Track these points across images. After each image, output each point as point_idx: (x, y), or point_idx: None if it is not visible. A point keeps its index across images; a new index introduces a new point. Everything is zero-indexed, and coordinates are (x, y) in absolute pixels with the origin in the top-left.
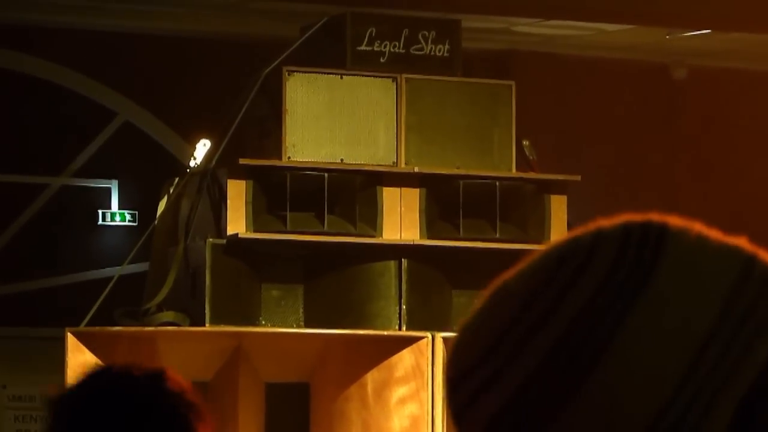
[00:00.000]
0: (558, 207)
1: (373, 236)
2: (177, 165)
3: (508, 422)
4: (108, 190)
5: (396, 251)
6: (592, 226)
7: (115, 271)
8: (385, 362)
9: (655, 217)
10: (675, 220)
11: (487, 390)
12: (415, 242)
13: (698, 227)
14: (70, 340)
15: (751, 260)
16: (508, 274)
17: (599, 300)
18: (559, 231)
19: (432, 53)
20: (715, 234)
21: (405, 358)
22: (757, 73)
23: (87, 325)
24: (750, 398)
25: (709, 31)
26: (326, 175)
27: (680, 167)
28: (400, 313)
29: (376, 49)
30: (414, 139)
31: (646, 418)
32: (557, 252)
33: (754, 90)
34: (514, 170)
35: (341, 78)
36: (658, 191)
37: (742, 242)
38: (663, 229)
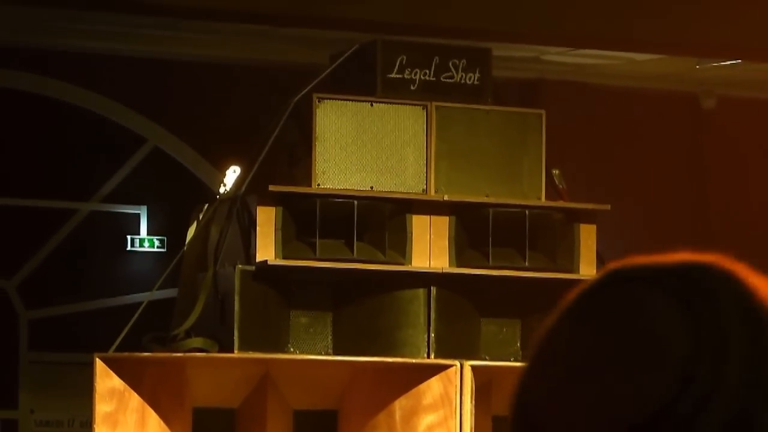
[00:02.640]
0: (587, 236)
1: (402, 264)
2: (206, 191)
3: None
4: (137, 216)
5: (425, 279)
6: (638, 259)
7: (143, 297)
8: (414, 390)
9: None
10: (719, 261)
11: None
12: (444, 270)
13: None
14: (99, 365)
15: None
16: (559, 311)
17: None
18: (588, 260)
19: (462, 81)
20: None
21: (433, 386)
22: None
23: (116, 350)
24: None
25: (738, 61)
26: (356, 202)
27: (709, 197)
28: (428, 341)
29: (406, 76)
30: (443, 167)
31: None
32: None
33: None
34: (543, 199)
35: (371, 105)
36: (687, 221)
37: None
38: (706, 269)
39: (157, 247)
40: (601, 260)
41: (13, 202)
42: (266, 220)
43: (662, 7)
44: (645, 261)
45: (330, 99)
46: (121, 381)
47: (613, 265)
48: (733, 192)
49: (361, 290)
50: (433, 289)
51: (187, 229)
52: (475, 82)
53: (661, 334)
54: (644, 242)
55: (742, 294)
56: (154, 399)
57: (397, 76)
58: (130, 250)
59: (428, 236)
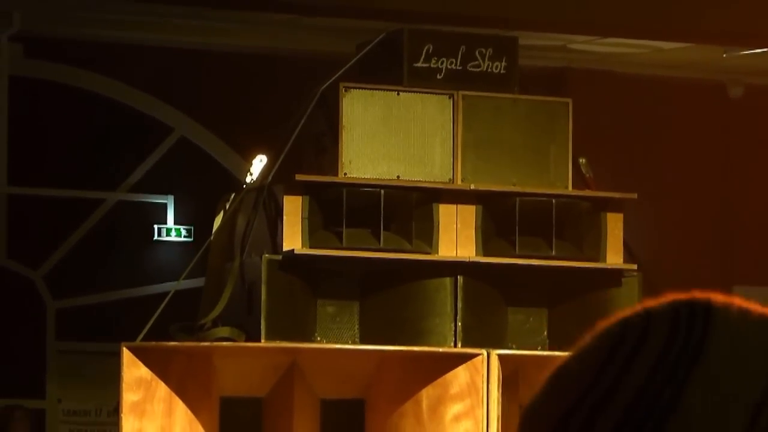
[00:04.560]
0: (614, 225)
1: (428, 253)
2: (233, 180)
3: None
4: (164, 206)
5: (452, 268)
6: (638, 307)
7: (170, 287)
8: (440, 379)
9: (698, 294)
10: (718, 297)
11: None
12: (471, 259)
13: (739, 301)
14: (126, 354)
15: None
16: (564, 358)
17: (656, 380)
18: (614, 249)
19: (489, 70)
20: (755, 307)
21: (460, 375)
22: None
23: (143, 340)
24: None
25: (766, 49)
26: (382, 191)
27: (736, 186)
28: (455, 330)
29: (432, 65)
30: (470, 156)
31: None
32: (610, 335)
33: None
34: (570, 188)
35: (398, 94)
36: (715, 209)
37: None
38: (708, 306)
39: (184, 237)
40: (628, 249)
41: (40, 193)
42: (293, 209)
43: None
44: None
45: (356, 88)
46: (148, 370)
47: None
48: (760, 181)
49: (388, 279)
50: (460, 278)
51: (214, 219)
52: (502, 71)
53: None
54: (671, 231)
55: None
56: (181, 388)
57: (424, 65)
58: (157, 240)
59: (455, 225)
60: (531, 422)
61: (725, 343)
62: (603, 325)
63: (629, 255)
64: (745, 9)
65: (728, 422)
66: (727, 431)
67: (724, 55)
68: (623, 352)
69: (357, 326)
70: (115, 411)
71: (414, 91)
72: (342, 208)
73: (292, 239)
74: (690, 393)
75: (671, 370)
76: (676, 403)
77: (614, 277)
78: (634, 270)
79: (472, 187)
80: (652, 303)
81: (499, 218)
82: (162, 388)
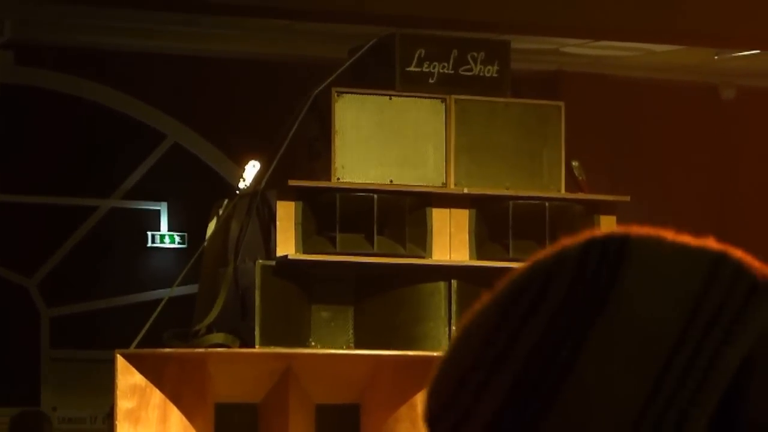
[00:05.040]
0: (607, 227)
1: (422, 257)
2: (226, 186)
3: None
4: (158, 212)
5: (445, 272)
6: (556, 245)
7: (164, 293)
8: None
9: (617, 229)
10: (638, 229)
11: (462, 424)
12: (465, 263)
13: (664, 232)
14: (120, 362)
15: (718, 260)
16: (478, 304)
17: (559, 323)
18: None
19: (481, 74)
20: (682, 237)
21: None
22: None
23: (137, 347)
24: (727, 404)
25: (758, 51)
26: (376, 196)
27: (728, 187)
28: (449, 334)
29: (425, 70)
30: (463, 159)
31: (623, 426)
32: (519, 278)
33: None
34: (563, 191)
35: (390, 99)
36: (708, 211)
37: (709, 242)
38: (624, 240)
39: (178, 243)
40: None
41: (34, 200)
42: (286, 214)
43: None
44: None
45: (349, 93)
46: (143, 377)
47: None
48: (753, 182)
49: (382, 284)
50: (454, 282)
51: (208, 225)
52: (494, 75)
53: None
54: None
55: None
56: (175, 395)
57: (416, 69)
58: (150, 246)
59: (448, 229)
60: (441, 374)
61: (641, 276)
62: (516, 269)
63: None
64: (736, 11)
65: (640, 366)
66: (638, 376)
67: (716, 57)
68: (527, 297)
69: (351, 331)
70: (108, 417)
71: (406, 96)
72: (335, 213)
73: (286, 245)
74: (595, 337)
75: (575, 313)
76: (578, 350)
77: None
78: None
79: (465, 191)
80: (568, 241)
81: (493, 222)
82: (156, 395)
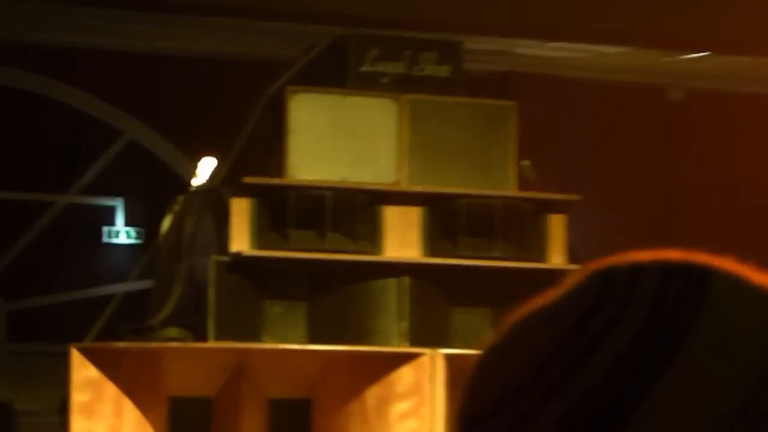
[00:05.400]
0: (557, 226)
1: (374, 254)
2: (182, 183)
3: None
4: (113, 208)
5: (397, 269)
6: (625, 258)
7: (120, 288)
8: (386, 378)
9: (697, 256)
10: (720, 261)
11: (525, 427)
12: (416, 260)
13: (748, 270)
14: (75, 356)
15: None
16: (532, 306)
17: (627, 363)
18: (558, 250)
19: (433, 74)
20: (757, 276)
21: (406, 375)
22: (751, 96)
23: (93, 340)
24: None
25: (705, 54)
26: (329, 194)
27: (676, 185)
28: (401, 330)
29: (378, 70)
30: (415, 158)
31: None
32: (586, 292)
33: (749, 112)
34: (514, 190)
35: (344, 98)
36: (656, 209)
37: None
38: (707, 274)
39: (134, 239)
40: (572, 250)
41: None
42: (240, 211)
43: (629, 1)
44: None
45: (303, 92)
46: (98, 371)
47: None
48: (700, 181)
49: (335, 280)
50: (405, 279)
51: (164, 221)
52: (447, 75)
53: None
54: (614, 231)
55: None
56: (130, 389)
57: (370, 69)
58: (106, 242)
59: (400, 227)
60: (489, 374)
61: (721, 315)
62: (577, 276)
63: (573, 255)
64: (683, 15)
65: (705, 417)
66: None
67: (664, 59)
68: (592, 326)
69: (304, 326)
70: (61, 411)
71: (360, 95)
72: (289, 210)
73: (240, 241)
74: (667, 377)
75: (638, 367)
76: (650, 387)
77: (557, 277)
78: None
79: (417, 189)
80: (639, 256)
81: (444, 220)
82: (111, 389)
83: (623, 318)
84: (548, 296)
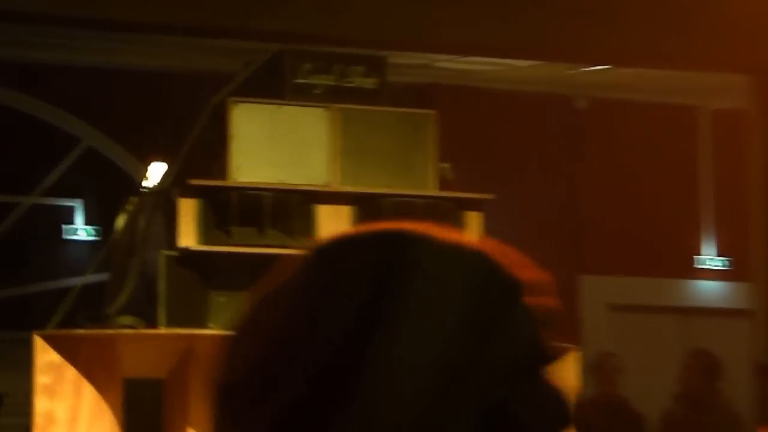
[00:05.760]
0: (474, 222)
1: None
2: (134, 185)
3: (292, 421)
4: (73, 209)
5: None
6: (340, 237)
7: (78, 281)
8: None
9: (398, 226)
10: (416, 228)
11: (261, 401)
12: None
13: (433, 229)
14: (38, 341)
15: (488, 264)
16: (268, 286)
17: (361, 318)
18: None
19: (361, 86)
20: (452, 239)
21: None
22: (649, 104)
23: (54, 328)
24: (496, 383)
25: (606, 67)
26: (267, 194)
27: (582, 187)
28: None
29: (311, 82)
30: (345, 162)
31: (407, 416)
32: (316, 260)
33: (645, 119)
34: (434, 189)
35: (280, 108)
36: (563, 208)
37: (476, 241)
38: (409, 240)
39: (92, 236)
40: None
41: None
42: (187, 210)
43: (539, 19)
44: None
45: (244, 102)
46: (59, 355)
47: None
48: (604, 183)
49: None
50: None
51: (117, 220)
52: (373, 87)
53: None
54: (527, 227)
55: (438, 254)
56: (88, 371)
57: (303, 81)
58: (66, 239)
59: (332, 223)
60: (234, 355)
61: (424, 286)
62: (308, 253)
63: None
64: (585, 31)
65: (422, 361)
66: (420, 371)
67: (568, 72)
68: (328, 294)
69: None
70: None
71: (295, 105)
72: (231, 209)
73: (187, 237)
74: (385, 335)
75: (370, 320)
76: (370, 349)
77: None
78: None
79: (347, 189)
80: (354, 232)
81: (371, 216)
82: (71, 372)
83: (346, 283)
84: (279, 277)
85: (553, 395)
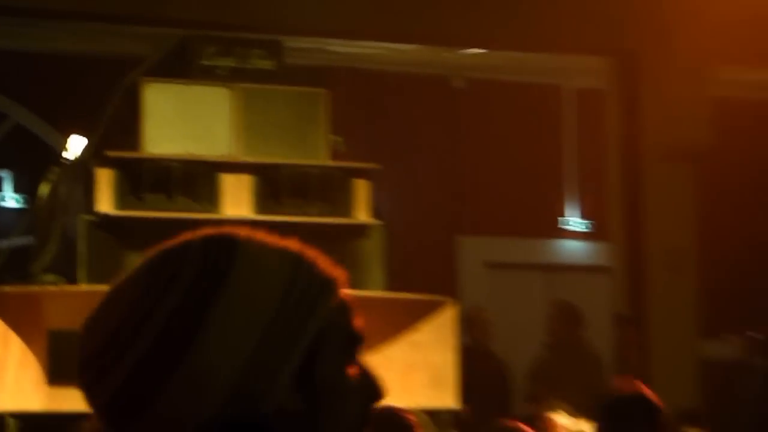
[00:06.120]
0: (362, 189)
1: (214, 213)
2: (57, 157)
3: (126, 395)
4: (1, 179)
5: (232, 225)
6: (181, 239)
7: (6, 244)
8: None
9: (227, 230)
10: (243, 231)
11: (108, 371)
12: (248, 217)
13: (260, 235)
14: None
15: (299, 259)
16: (122, 277)
17: (189, 300)
18: (363, 208)
19: (260, 67)
20: (272, 239)
21: None
22: (520, 84)
23: None
24: (310, 357)
25: (481, 51)
26: (176, 164)
27: (461, 157)
28: None
29: (215, 64)
30: (246, 135)
31: (231, 382)
32: (155, 263)
33: (518, 96)
34: (326, 160)
35: (187, 87)
36: (444, 176)
37: (292, 243)
38: (234, 240)
39: (20, 204)
40: (376, 209)
41: None
42: (104, 179)
43: (420, 7)
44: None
45: (155, 82)
46: None
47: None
48: (479, 152)
49: (182, 234)
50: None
51: (43, 188)
52: (271, 68)
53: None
54: (412, 194)
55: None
56: (15, 324)
57: (209, 63)
58: None
59: (234, 191)
60: (91, 329)
61: (247, 269)
62: (150, 254)
63: (377, 214)
64: (461, 16)
65: (245, 334)
66: (243, 341)
67: (445, 55)
68: (162, 279)
69: None
70: None
71: (201, 84)
72: (144, 178)
73: (104, 203)
74: (214, 313)
75: (200, 294)
76: (202, 322)
77: (362, 230)
78: (379, 225)
79: (248, 160)
80: (190, 236)
81: (270, 184)
82: (0, 325)
83: (183, 272)
84: (126, 273)
85: (365, 373)
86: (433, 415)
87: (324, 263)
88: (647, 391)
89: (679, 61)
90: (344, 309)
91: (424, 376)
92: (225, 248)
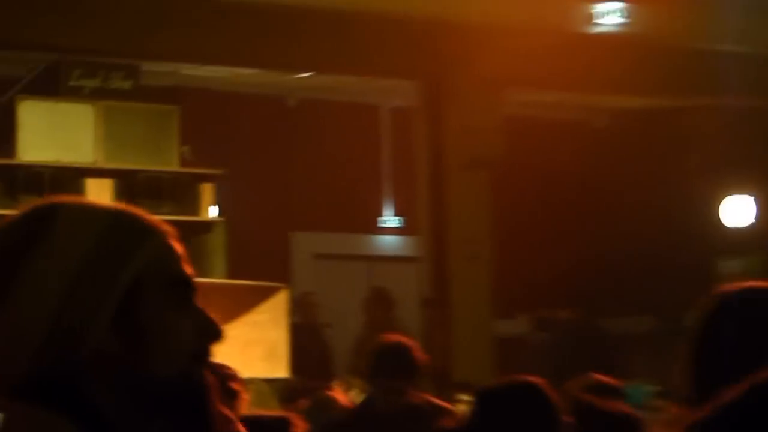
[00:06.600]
0: (207, 191)
1: None
2: None
3: None
4: None
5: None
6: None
7: None
8: None
9: (54, 198)
10: (68, 198)
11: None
12: None
13: (84, 199)
14: None
15: (118, 214)
16: None
17: (5, 257)
18: (207, 207)
19: (121, 87)
20: (96, 203)
21: None
22: (344, 103)
23: None
24: (130, 301)
25: (310, 74)
26: (47, 170)
27: (295, 167)
28: None
29: (81, 84)
30: (108, 146)
31: (45, 324)
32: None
33: (342, 114)
34: (177, 166)
35: (57, 103)
36: (278, 181)
37: (120, 204)
38: (55, 204)
39: None
40: (221, 208)
41: None
42: None
43: (256, 35)
44: None
45: (28, 99)
46: None
47: None
48: (308, 161)
49: None
50: None
51: None
52: (130, 88)
53: None
54: (253, 197)
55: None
56: None
57: (76, 83)
58: None
59: (97, 193)
60: None
61: (65, 225)
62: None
63: (222, 212)
64: (292, 45)
65: (59, 280)
66: (57, 287)
67: (281, 78)
68: None
69: None
70: None
71: (68, 101)
72: (19, 181)
73: None
74: (26, 265)
75: (16, 251)
76: (18, 275)
77: (207, 227)
78: (222, 221)
79: (109, 166)
80: (34, 204)
81: (129, 188)
82: None
83: (12, 227)
84: None
85: (199, 314)
86: (269, 382)
87: (148, 217)
88: (410, 344)
89: (476, 84)
90: (168, 256)
91: (260, 350)
92: (45, 211)
